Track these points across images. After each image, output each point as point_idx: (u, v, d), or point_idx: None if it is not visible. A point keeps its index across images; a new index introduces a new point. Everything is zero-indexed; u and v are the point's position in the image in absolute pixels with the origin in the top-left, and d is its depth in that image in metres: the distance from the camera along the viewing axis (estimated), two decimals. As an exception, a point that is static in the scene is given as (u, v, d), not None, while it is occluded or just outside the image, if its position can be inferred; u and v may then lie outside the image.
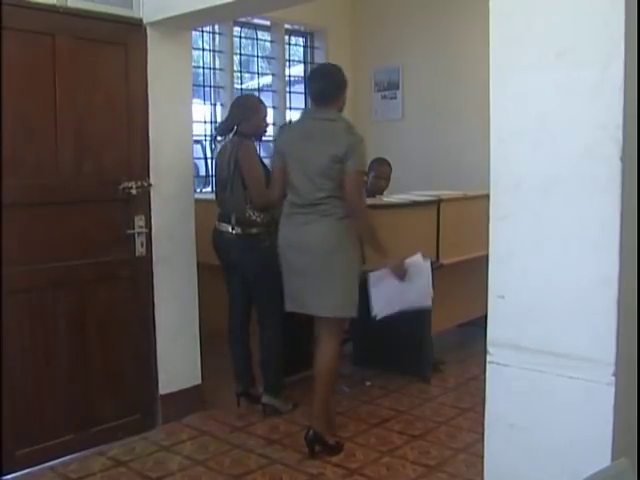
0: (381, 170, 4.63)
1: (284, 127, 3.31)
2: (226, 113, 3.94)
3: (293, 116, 6.02)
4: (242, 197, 3.50)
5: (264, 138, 3.91)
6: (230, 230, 3.54)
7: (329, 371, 3.16)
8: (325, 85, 3.11)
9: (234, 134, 3.60)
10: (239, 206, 3.50)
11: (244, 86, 5.77)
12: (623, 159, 1.72)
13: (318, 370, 3.17)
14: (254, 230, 3.53)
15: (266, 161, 3.82)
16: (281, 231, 3.19)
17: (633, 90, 1.74)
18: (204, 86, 5.40)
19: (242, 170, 3.47)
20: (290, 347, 3.96)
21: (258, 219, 3.52)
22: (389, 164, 4.68)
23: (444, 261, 4.08)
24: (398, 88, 5.90)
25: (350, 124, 3.13)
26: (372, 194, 4.32)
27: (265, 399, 3.67)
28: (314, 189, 3.03)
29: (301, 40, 6.24)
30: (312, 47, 6.20)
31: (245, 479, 3.01)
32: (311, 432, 3.16)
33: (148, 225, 3.43)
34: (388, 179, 4.67)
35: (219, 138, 3.75)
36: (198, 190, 4.52)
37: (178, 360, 3.61)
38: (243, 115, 3.58)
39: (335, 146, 2.98)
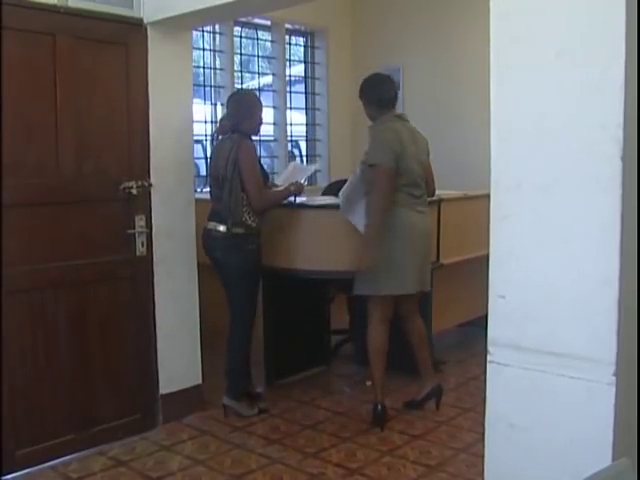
0: None
1: (392, 129, 3.41)
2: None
3: (294, 116, 6.04)
4: (240, 200, 3.44)
5: (262, 137, 3.87)
6: (218, 228, 3.50)
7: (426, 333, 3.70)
8: (393, 91, 3.56)
9: (233, 131, 3.55)
10: (236, 209, 3.43)
11: (244, 86, 5.76)
12: (624, 159, 1.71)
13: (419, 337, 3.62)
14: (241, 230, 3.48)
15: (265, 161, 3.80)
16: (408, 219, 3.43)
17: (633, 90, 1.74)
18: (204, 86, 5.39)
19: (241, 172, 3.42)
20: (289, 348, 3.97)
21: (253, 224, 3.50)
22: None
23: (444, 261, 4.08)
24: (398, 88, 5.83)
25: None
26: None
27: (225, 400, 3.64)
28: (422, 183, 3.52)
29: (301, 40, 6.24)
30: (312, 47, 6.20)
31: (245, 479, 3.01)
32: (380, 407, 3.47)
33: (148, 225, 3.43)
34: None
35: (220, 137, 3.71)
36: (198, 190, 4.52)
37: (178, 360, 3.61)
38: (246, 112, 3.54)
39: (426, 144, 3.58)
